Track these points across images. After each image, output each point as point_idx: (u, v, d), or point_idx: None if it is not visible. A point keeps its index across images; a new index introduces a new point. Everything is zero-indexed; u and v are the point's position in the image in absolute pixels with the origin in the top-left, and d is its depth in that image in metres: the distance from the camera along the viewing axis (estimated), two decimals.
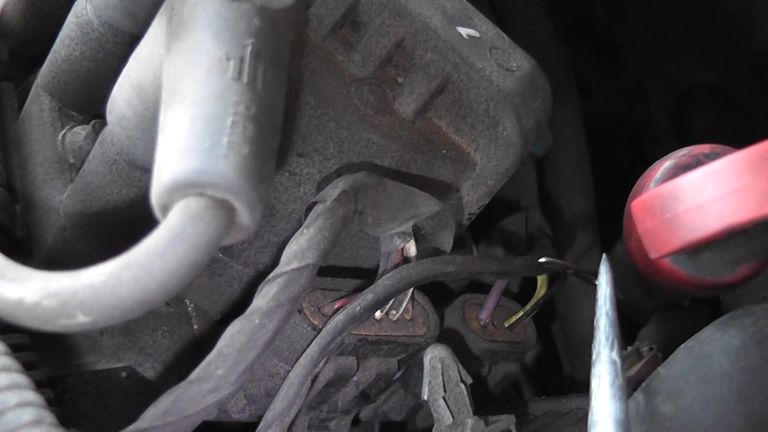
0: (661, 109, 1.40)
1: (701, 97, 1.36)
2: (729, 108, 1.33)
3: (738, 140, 0.87)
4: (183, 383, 0.71)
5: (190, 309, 0.91)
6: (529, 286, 0.98)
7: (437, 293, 0.93)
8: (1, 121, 0.93)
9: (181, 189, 0.63)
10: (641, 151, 1.45)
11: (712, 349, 0.77)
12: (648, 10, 1.37)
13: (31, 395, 0.64)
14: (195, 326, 0.91)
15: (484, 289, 0.98)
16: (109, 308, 0.62)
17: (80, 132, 0.88)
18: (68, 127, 0.89)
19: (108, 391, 0.89)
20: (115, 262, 0.63)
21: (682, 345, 0.78)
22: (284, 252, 0.76)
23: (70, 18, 0.87)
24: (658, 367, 0.78)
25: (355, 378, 0.87)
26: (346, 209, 0.77)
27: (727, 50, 1.28)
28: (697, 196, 0.77)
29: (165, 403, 0.71)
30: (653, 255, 0.81)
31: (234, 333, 0.73)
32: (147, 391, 0.90)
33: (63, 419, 0.65)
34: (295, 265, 0.74)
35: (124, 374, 0.90)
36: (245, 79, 0.66)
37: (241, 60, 0.67)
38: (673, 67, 1.37)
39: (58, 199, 0.86)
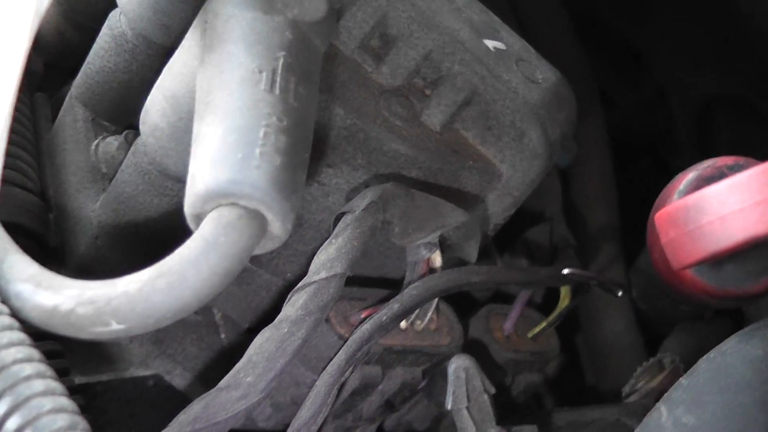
0: (684, 121, 1.40)
1: (724, 109, 1.35)
2: (751, 120, 1.33)
3: (761, 152, 0.87)
4: (213, 390, 0.72)
5: (218, 318, 0.92)
6: (553, 296, 0.98)
7: (462, 303, 0.93)
8: (35, 131, 0.94)
9: (214, 199, 0.64)
10: (664, 162, 1.45)
11: (734, 360, 0.76)
12: (671, 21, 1.37)
13: (65, 401, 0.64)
14: (223, 335, 0.91)
15: (508, 299, 0.98)
16: (142, 316, 0.63)
17: (113, 142, 0.89)
18: (101, 137, 0.90)
19: (136, 399, 0.90)
20: (149, 270, 0.64)
21: (705, 356, 0.78)
22: (313, 261, 0.77)
23: (105, 30, 0.88)
24: (680, 378, 0.78)
25: (380, 387, 0.87)
26: (375, 219, 0.78)
27: (750, 62, 1.27)
28: (720, 207, 0.77)
29: (195, 409, 0.72)
30: (676, 266, 0.81)
31: (263, 341, 0.73)
32: (174, 399, 0.90)
33: (92, 426, 0.65)
34: (323, 274, 0.75)
35: (151, 382, 0.91)
36: (277, 91, 0.67)
37: (274, 72, 0.68)
38: (696, 79, 1.37)
39: (90, 208, 0.86)
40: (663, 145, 1.44)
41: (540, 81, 0.90)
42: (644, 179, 1.39)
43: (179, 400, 0.90)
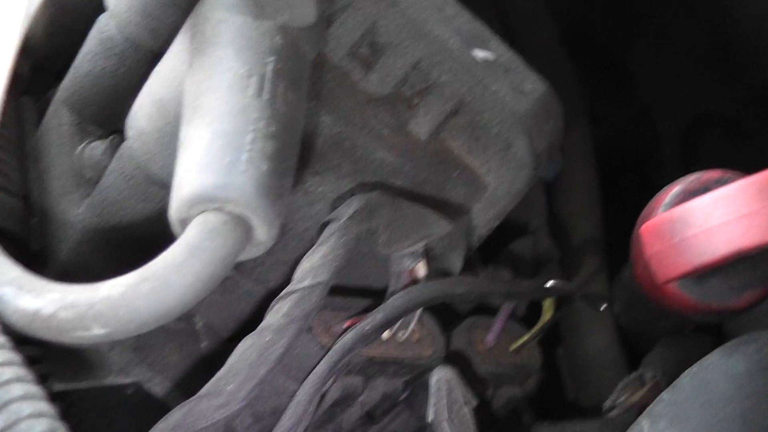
0: (669, 137, 1.41)
1: (709, 126, 1.36)
2: (737, 137, 1.33)
3: (745, 170, 0.87)
4: (193, 398, 0.72)
5: (199, 326, 0.91)
6: (536, 309, 0.97)
7: (444, 314, 0.93)
8: (20, 135, 0.94)
9: (200, 203, 0.64)
10: (648, 177, 1.45)
11: (716, 375, 0.77)
12: (658, 38, 1.37)
13: (45, 406, 0.64)
14: (204, 344, 0.91)
15: (490, 311, 0.98)
16: (125, 320, 0.63)
17: (98, 146, 0.89)
18: (87, 141, 0.90)
19: (114, 407, 0.90)
20: (133, 274, 0.63)
21: (687, 371, 0.78)
22: (297, 269, 0.76)
23: (93, 33, 0.87)
24: (663, 393, 0.78)
25: (361, 398, 0.87)
26: (360, 228, 0.78)
27: (736, 79, 1.28)
28: (705, 220, 0.78)
29: (175, 417, 0.71)
30: (661, 279, 0.82)
31: (245, 349, 0.73)
32: (153, 408, 0.89)
33: None
34: (307, 282, 0.75)
35: (130, 390, 0.90)
36: (266, 96, 0.67)
37: (262, 77, 0.68)
38: (682, 95, 1.38)
39: (74, 212, 0.86)
40: (648, 162, 1.44)
41: (528, 92, 0.90)
42: (629, 195, 1.40)
43: (159, 409, 0.89)
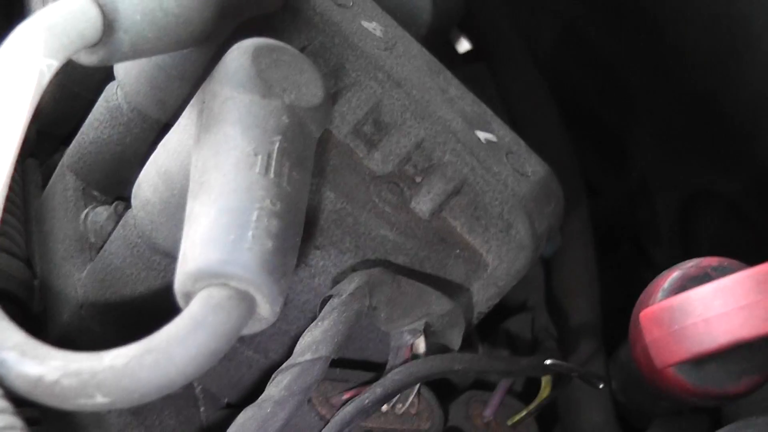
0: (666, 213, 1.41)
1: (707, 205, 1.36)
2: (734, 217, 1.34)
3: (742, 250, 0.89)
4: None
5: (197, 391, 0.92)
6: (533, 384, 0.98)
7: (442, 387, 0.93)
8: (24, 197, 0.95)
9: (204, 278, 0.64)
10: (644, 251, 1.46)
11: None
12: (658, 114, 1.38)
13: None
14: (202, 408, 0.91)
15: (488, 386, 0.98)
16: (128, 391, 0.63)
17: (102, 212, 0.90)
18: (91, 206, 0.91)
19: None
20: (137, 345, 0.63)
21: None
22: (298, 343, 0.77)
23: (101, 102, 0.89)
24: None
25: None
26: (361, 304, 0.79)
27: (735, 160, 1.29)
28: (705, 310, 0.79)
29: None
30: (659, 365, 0.82)
31: (245, 420, 0.73)
32: None
33: None
34: (308, 356, 0.75)
35: None
36: (272, 174, 0.68)
37: (269, 156, 0.68)
38: (680, 172, 1.38)
39: (76, 277, 0.87)
40: (645, 235, 1.45)
41: (529, 174, 0.91)
42: (624, 267, 1.41)
43: None
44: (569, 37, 1.44)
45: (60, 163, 0.94)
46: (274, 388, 0.75)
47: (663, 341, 0.82)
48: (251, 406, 0.74)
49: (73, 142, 0.92)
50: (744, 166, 1.26)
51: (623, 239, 1.47)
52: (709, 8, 1.22)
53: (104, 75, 0.89)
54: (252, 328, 0.67)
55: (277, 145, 0.69)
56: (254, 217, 0.65)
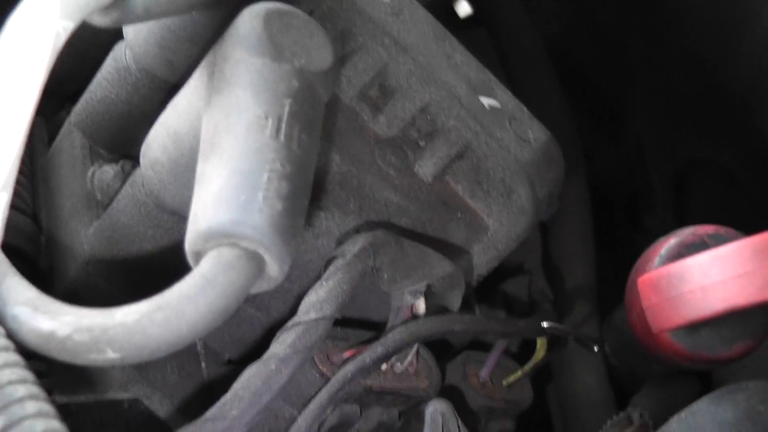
0: (660, 181, 1.41)
1: (702, 173, 1.37)
2: (728, 186, 1.34)
3: (734, 218, 0.90)
4: (198, 421, 0.73)
5: (199, 347, 0.93)
6: (528, 346, 0.99)
7: (439, 348, 0.94)
8: (30, 154, 0.95)
9: (215, 238, 0.65)
10: (638, 216, 1.47)
11: (704, 422, 0.78)
12: (656, 82, 1.38)
13: (57, 425, 0.65)
14: (203, 364, 0.92)
15: (484, 347, 0.99)
16: (138, 347, 0.64)
17: (109, 171, 0.90)
18: (97, 165, 0.91)
19: (110, 422, 0.90)
20: (148, 302, 0.64)
21: (676, 416, 0.79)
22: (303, 302, 0.78)
23: (109, 61, 0.89)
24: None
25: (357, 425, 0.89)
26: (365, 265, 0.80)
27: (730, 128, 1.29)
28: (702, 277, 0.80)
29: None
30: (656, 330, 0.83)
31: (250, 376, 0.74)
32: (149, 424, 0.91)
33: None
34: (313, 315, 0.76)
35: (126, 405, 0.91)
36: (282, 137, 0.68)
37: (279, 119, 0.69)
38: (676, 140, 1.38)
39: (83, 233, 0.87)
40: (639, 202, 1.45)
41: (531, 140, 0.91)
42: (618, 232, 1.41)
43: (154, 426, 0.91)
44: (570, 6, 1.44)
45: (67, 120, 0.94)
46: (279, 346, 0.76)
47: (660, 307, 0.83)
48: (256, 362, 0.75)
49: (81, 100, 0.92)
50: (741, 136, 1.26)
51: (616, 205, 1.48)
52: None
53: (112, 34, 0.88)
54: (260, 287, 0.68)
55: (287, 108, 0.70)
56: (265, 179, 0.66)
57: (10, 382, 0.65)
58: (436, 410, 0.87)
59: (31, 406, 0.64)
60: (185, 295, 0.64)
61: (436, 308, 0.88)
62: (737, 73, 1.24)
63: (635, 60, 1.39)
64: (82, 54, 0.94)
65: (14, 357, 0.67)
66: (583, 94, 1.43)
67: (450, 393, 0.94)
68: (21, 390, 0.65)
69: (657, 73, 1.37)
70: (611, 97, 1.44)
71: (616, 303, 0.99)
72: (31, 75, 0.60)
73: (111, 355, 0.64)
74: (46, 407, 0.65)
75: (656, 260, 0.86)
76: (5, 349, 0.67)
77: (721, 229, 0.86)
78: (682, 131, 1.36)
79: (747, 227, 0.86)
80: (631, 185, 1.44)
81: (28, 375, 0.67)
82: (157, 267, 0.84)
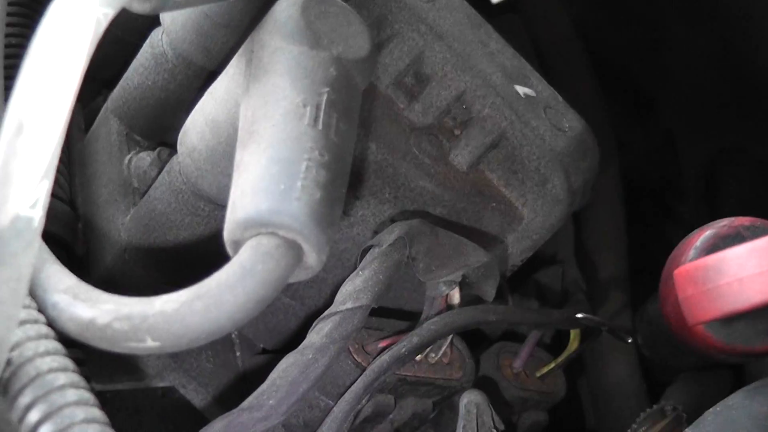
0: (692, 168, 1.40)
1: (734, 163, 1.36)
2: (759, 175, 1.33)
3: (764, 210, 0.89)
4: (235, 410, 0.73)
5: (234, 336, 0.93)
6: (561, 337, 0.99)
7: (473, 339, 0.93)
8: (67, 141, 0.95)
9: (254, 227, 0.64)
10: (667, 205, 1.46)
11: (740, 415, 0.77)
12: (690, 70, 1.37)
13: (97, 412, 0.65)
14: (238, 353, 0.92)
15: (518, 338, 0.99)
16: (177, 335, 0.64)
17: (146, 158, 0.90)
18: (134, 151, 0.91)
19: (144, 409, 0.91)
20: (187, 291, 0.64)
21: (711, 409, 0.79)
22: (339, 291, 0.78)
23: (146, 48, 0.88)
24: (687, 429, 0.79)
25: (391, 416, 0.88)
26: (401, 255, 0.79)
27: (761, 118, 1.28)
28: (739, 270, 0.79)
29: (217, 427, 0.72)
30: (691, 322, 0.82)
31: (287, 366, 0.74)
32: (183, 412, 0.91)
33: None
34: (349, 305, 0.76)
35: (161, 393, 0.91)
36: (320, 126, 0.68)
37: (317, 107, 0.68)
38: (709, 129, 1.37)
39: (120, 220, 0.87)
40: (668, 190, 1.45)
41: (566, 129, 0.91)
42: (647, 221, 1.41)
43: (189, 414, 0.91)
44: None
45: (104, 107, 0.94)
46: (316, 336, 0.76)
47: (696, 299, 0.82)
48: (293, 352, 0.75)
49: (118, 87, 0.92)
50: None
51: (647, 193, 1.47)
52: None
53: (149, 20, 0.88)
54: (298, 276, 0.67)
55: (325, 96, 0.69)
56: (303, 168, 0.66)
57: (51, 370, 0.65)
58: (470, 401, 0.86)
59: (71, 394, 0.65)
60: (224, 285, 0.64)
61: (470, 298, 0.88)
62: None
63: (668, 48, 1.39)
64: (119, 40, 0.94)
65: (55, 345, 0.67)
66: (615, 80, 1.42)
67: (484, 384, 0.94)
68: (62, 378, 0.65)
69: (689, 61, 1.36)
70: (643, 85, 1.43)
71: (647, 293, 0.99)
72: (71, 62, 0.60)
73: (150, 343, 0.64)
74: (86, 395, 0.66)
75: (691, 252, 0.85)
76: (46, 336, 0.67)
77: (758, 221, 0.85)
78: (713, 120, 1.36)
79: None
80: (662, 173, 1.43)
81: (68, 363, 0.67)
82: (194, 255, 0.85)
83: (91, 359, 0.82)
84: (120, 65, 0.92)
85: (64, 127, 0.60)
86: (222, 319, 0.64)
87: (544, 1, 1.38)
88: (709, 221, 0.88)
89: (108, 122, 0.93)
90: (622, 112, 1.43)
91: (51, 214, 0.85)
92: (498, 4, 1.46)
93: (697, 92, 1.37)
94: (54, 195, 0.88)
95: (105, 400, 0.85)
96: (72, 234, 0.89)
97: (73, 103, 0.61)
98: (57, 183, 0.90)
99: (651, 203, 1.46)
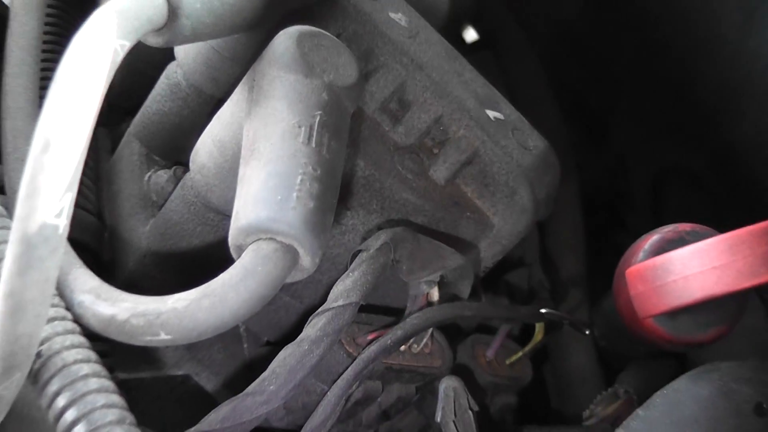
0: (639, 184, 1.39)
1: (674, 178, 1.35)
2: (697, 189, 1.33)
3: (702, 216, 0.88)
4: (240, 395, 0.72)
5: (241, 330, 0.91)
6: (528, 330, 0.97)
7: (451, 331, 0.92)
8: (95, 161, 0.94)
9: (255, 233, 0.64)
10: (619, 217, 1.45)
11: (684, 398, 0.76)
12: (636, 99, 1.36)
13: (116, 398, 0.64)
14: (245, 345, 0.90)
15: (490, 330, 0.97)
16: (187, 329, 0.63)
17: (163, 175, 0.89)
18: (153, 170, 0.90)
19: (165, 395, 0.89)
20: (196, 291, 0.64)
21: (659, 392, 0.77)
22: (332, 290, 0.76)
23: (162, 79, 0.87)
24: (638, 409, 0.77)
25: (379, 399, 0.87)
26: (386, 258, 0.78)
27: (699, 140, 1.27)
28: (684, 269, 0.78)
29: (224, 410, 0.71)
30: (641, 315, 0.81)
31: (286, 356, 0.73)
32: (198, 397, 0.90)
33: None
34: (341, 302, 0.75)
35: (179, 380, 0.90)
36: (313, 144, 0.67)
37: (311, 128, 0.68)
38: (653, 150, 1.37)
39: (141, 230, 0.86)
40: (620, 203, 1.44)
41: (531, 148, 0.89)
42: (602, 230, 1.39)
43: (203, 399, 0.90)
44: (564, 33, 1.42)
45: (127, 131, 0.92)
46: (311, 329, 0.74)
47: (646, 295, 0.81)
48: (291, 344, 0.74)
49: (138, 114, 0.90)
50: (707, 145, 1.25)
51: (601, 206, 1.46)
52: (685, 11, 1.21)
53: (165, 55, 0.87)
54: (294, 277, 0.67)
55: (318, 118, 0.69)
56: (298, 181, 0.65)
57: (76, 361, 0.65)
58: (448, 386, 0.85)
59: (93, 383, 0.64)
60: (228, 284, 0.63)
61: (448, 296, 0.87)
62: (705, 91, 1.24)
63: (619, 80, 1.38)
64: (140, 72, 0.92)
65: (79, 339, 0.67)
66: (574, 109, 1.41)
67: (460, 371, 0.92)
68: (85, 368, 0.65)
69: (637, 92, 1.36)
70: (597, 113, 1.43)
71: (603, 291, 0.98)
72: (92, 86, 0.58)
73: (164, 336, 0.64)
74: (107, 383, 0.65)
75: (641, 254, 0.84)
76: (72, 332, 0.67)
77: (697, 227, 0.85)
78: (657, 141, 1.35)
79: (713, 225, 0.85)
80: (615, 189, 1.43)
81: (91, 354, 0.66)
82: (205, 259, 0.83)
83: (117, 351, 0.81)
84: (141, 95, 0.91)
85: (86, 144, 0.59)
86: (227, 315, 0.63)
87: (513, 40, 1.37)
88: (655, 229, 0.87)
89: (130, 144, 0.91)
90: (581, 139, 1.42)
91: (80, 225, 0.86)
92: (474, 42, 1.45)
93: (643, 118, 1.37)
94: (83, 208, 0.88)
95: (129, 387, 0.85)
96: (99, 242, 0.88)
97: (94, 124, 0.60)
98: (86, 197, 0.89)
99: (606, 214, 1.45)
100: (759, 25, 1.12)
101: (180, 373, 0.89)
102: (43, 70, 0.87)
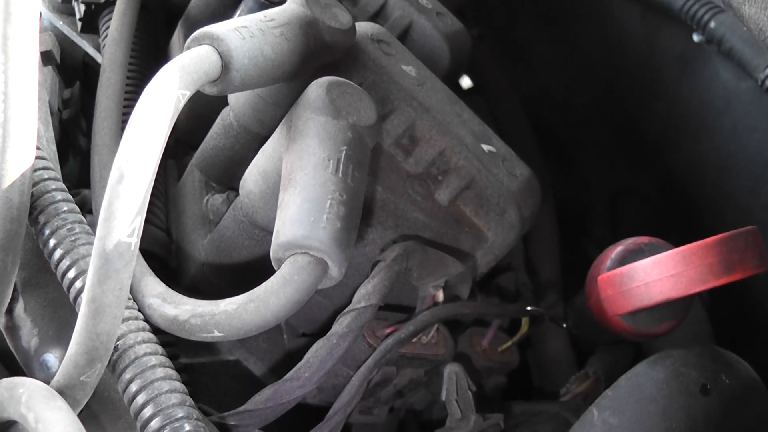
0: (600, 203, 1.38)
1: (628, 197, 1.34)
2: (647, 206, 1.31)
3: (651, 229, 0.87)
4: (280, 381, 0.70)
5: (282, 324, 0.88)
6: (515, 324, 0.94)
7: (452, 325, 0.89)
8: (165, 186, 0.92)
9: (292, 248, 0.63)
10: (585, 229, 1.42)
11: (644, 380, 0.74)
12: (597, 133, 1.35)
13: (178, 384, 0.64)
14: (285, 336, 0.87)
15: (484, 324, 0.94)
16: (236, 328, 0.62)
17: (218, 198, 0.86)
18: (210, 194, 0.87)
19: (222, 375, 0.87)
20: (243, 296, 0.63)
21: (623, 375, 0.75)
22: (356, 293, 0.74)
23: (218, 121, 0.85)
24: (606, 390, 0.75)
25: (394, 381, 0.85)
26: (400, 266, 0.76)
27: (648, 166, 1.26)
28: (645, 276, 0.77)
29: (267, 393, 0.70)
30: (611, 314, 0.80)
31: (318, 348, 0.71)
32: (247, 378, 0.87)
33: (191, 393, 0.64)
34: (363, 303, 0.73)
35: (232, 364, 0.88)
36: (340, 174, 0.66)
37: (338, 161, 0.66)
38: (610, 174, 1.35)
39: (200, 244, 0.84)
40: (585, 218, 1.42)
41: (518, 176, 0.87)
42: (571, 240, 1.37)
43: (250, 380, 0.88)
44: (540, 82, 1.41)
45: (190, 163, 0.90)
46: (338, 326, 0.73)
47: (614, 298, 0.79)
48: (322, 338, 0.72)
49: (199, 149, 0.88)
50: (653, 170, 1.24)
51: (570, 221, 1.44)
52: (633, 64, 1.21)
53: (222, 101, 0.85)
54: (324, 284, 0.66)
55: (344, 152, 0.67)
56: (327, 205, 0.64)
57: (146, 354, 0.64)
58: (452, 370, 0.84)
59: (160, 371, 0.63)
60: (270, 291, 0.62)
61: (450, 297, 0.85)
62: (650, 127, 1.23)
63: (583, 118, 1.37)
64: (201, 115, 0.90)
65: (149, 335, 0.66)
66: (548, 142, 1.40)
67: (461, 357, 0.89)
68: (153, 359, 0.63)
69: (597, 128, 1.35)
70: (566, 145, 1.42)
71: (574, 290, 0.95)
72: (158, 128, 0.57)
73: (216, 334, 0.63)
74: (171, 372, 0.64)
75: (609, 262, 0.83)
76: (143, 329, 0.66)
77: (653, 240, 0.82)
78: (614, 167, 1.33)
79: (659, 235, 0.83)
80: (580, 207, 1.40)
81: (158, 348, 0.65)
82: (252, 268, 0.81)
83: (181, 341, 0.78)
84: (201, 133, 0.89)
85: (153, 175, 0.58)
86: (269, 317, 0.62)
87: (499, 88, 1.35)
88: (614, 239, 0.86)
89: (192, 173, 0.89)
90: (553, 165, 1.40)
91: (153, 239, 0.84)
92: (470, 89, 1.43)
93: (602, 150, 1.35)
94: (155, 224, 0.86)
95: (192, 370, 0.83)
96: (167, 252, 0.86)
97: (160, 158, 0.58)
98: (157, 216, 0.88)
99: (574, 227, 1.43)
100: (692, 74, 1.13)
101: (232, 358, 0.87)
102: (124, 114, 0.87)
